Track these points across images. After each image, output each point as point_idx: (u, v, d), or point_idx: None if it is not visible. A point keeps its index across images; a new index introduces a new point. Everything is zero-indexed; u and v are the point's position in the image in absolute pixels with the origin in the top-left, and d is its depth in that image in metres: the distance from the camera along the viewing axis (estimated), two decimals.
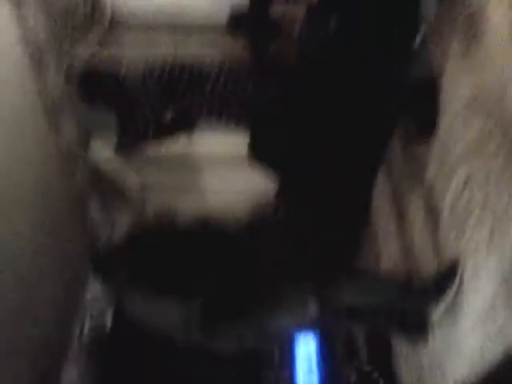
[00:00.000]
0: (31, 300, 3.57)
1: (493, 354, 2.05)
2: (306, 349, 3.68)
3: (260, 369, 3.93)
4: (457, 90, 2.41)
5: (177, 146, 4.39)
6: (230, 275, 2.80)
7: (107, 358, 4.31)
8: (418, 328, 2.61)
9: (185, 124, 4.26)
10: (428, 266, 2.72)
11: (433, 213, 2.65)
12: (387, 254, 3.46)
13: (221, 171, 4.55)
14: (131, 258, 2.52)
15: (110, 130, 4.39)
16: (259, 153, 3.79)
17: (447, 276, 2.36)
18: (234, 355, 2.70)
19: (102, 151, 4.40)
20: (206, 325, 2.48)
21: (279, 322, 2.56)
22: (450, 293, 2.32)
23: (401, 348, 3.12)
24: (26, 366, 3.54)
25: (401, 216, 3.20)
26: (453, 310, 2.36)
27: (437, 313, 2.45)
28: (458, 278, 2.30)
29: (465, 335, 2.29)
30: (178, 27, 3.90)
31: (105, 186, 4.62)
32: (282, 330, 2.72)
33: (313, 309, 2.47)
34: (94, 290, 4.73)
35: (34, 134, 3.79)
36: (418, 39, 2.67)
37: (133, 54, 3.99)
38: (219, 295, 2.63)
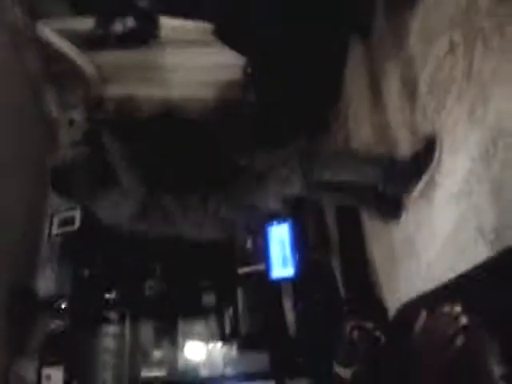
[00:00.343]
0: None
1: (466, 233, 2.02)
2: (279, 236, 3.67)
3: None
4: None
5: None
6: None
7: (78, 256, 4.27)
8: (392, 204, 2.57)
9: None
10: (403, 145, 2.59)
11: (410, 85, 2.47)
12: (359, 133, 3.32)
13: (186, 52, 4.23)
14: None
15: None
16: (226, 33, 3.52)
17: (425, 153, 2.25)
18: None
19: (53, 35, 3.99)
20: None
21: (265, 198, 2.53)
22: (428, 170, 2.22)
23: (372, 226, 3.11)
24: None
25: (375, 93, 3.01)
26: (428, 188, 2.29)
27: (414, 192, 2.38)
28: (435, 154, 2.18)
29: (439, 214, 2.24)
30: None
31: (59, 70, 4.28)
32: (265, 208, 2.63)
33: (297, 181, 2.42)
34: None
35: None
36: None
37: None
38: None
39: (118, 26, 3.75)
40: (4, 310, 3.54)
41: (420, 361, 0.99)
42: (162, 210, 2.57)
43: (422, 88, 2.34)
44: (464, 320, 0.97)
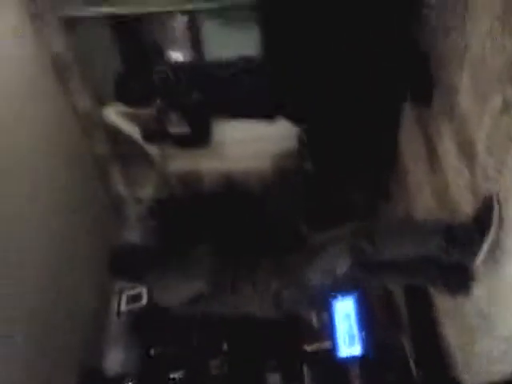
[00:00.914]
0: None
1: None
2: (344, 311, 3.47)
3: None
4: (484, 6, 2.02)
5: None
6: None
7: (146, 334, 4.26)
8: (460, 278, 2.33)
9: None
10: (466, 208, 2.38)
11: (467, 148, 2.30)
12: (420, 201, 3.13)
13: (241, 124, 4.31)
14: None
15: None
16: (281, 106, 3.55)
17: (485, 213, 2.04)
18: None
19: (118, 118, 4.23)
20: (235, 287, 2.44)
21: (314, 275, 2.38)
22: (492, 230, 2.00)
23: (443, 303, 2.84)
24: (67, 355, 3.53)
25: (432, 157, 2.84)
26: (495, 253, 2.05)
27: (479, 258, 2.12)
28: (496, 212, 1.98)
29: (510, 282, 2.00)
30: None
31: (125, 151, 4.49)
32: (318, 286, 2.49)
33: (344, 262, 2.28)
34: None
35: (47, 100, 3.66)
36: None
37: None
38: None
39: (174, 128, 3.86)
40: None
41: None
42: (223, 289, 2.50)
43: (480, 147, 2.16)
44: None
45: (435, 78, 2.65)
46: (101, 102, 4.16)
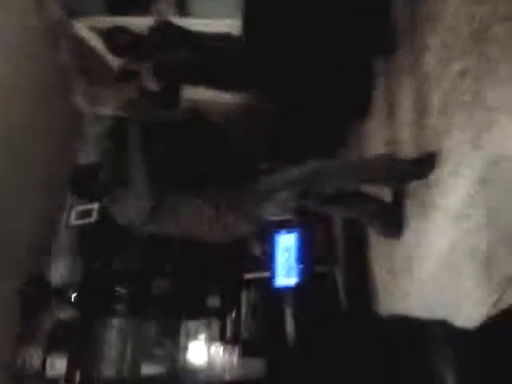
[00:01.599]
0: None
1: (461, 253, 2.03)
2: (285, 245, 3.70)
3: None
4: None
5: None
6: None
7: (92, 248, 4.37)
8: (393, 219, 2.61)
9: None
10: None
11: (423, 102, 2.48)
12: (372, 149, 3.33)
13: None
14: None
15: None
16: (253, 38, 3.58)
17: (427, 162, 2.33)
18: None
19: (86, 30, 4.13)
20: None
21: (262, 211, 2.61)
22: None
23: (376, 244, 3.12)
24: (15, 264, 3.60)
25: (389, 109, 3.02)
26: (427, 205, 2.30)
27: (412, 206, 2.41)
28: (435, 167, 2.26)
29: (436, 233, 2.24)
30: None
31: (90, 66, 4.42)
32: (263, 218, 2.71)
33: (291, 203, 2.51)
34: None
35: (18, 7, 3.54)
36: None
37: None
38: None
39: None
40: (17, 295, 3.64)
41: None
42: (172, 210, 2.61)
43: (434, 107, 2.35)
44: None
45: None
46: (71, 13, 4.04)
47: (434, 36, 2.42)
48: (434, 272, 2.26)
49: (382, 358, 2.63)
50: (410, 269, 2.51)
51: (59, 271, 4.37)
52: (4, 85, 3.34)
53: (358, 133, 3.60)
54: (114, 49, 3.68)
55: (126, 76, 3.72)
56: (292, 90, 3.62)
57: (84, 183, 2.68)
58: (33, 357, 3.75)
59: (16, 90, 3.53)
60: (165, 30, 3.53)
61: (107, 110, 4.60)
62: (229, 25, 3.79)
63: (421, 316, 2.43)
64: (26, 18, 3.68)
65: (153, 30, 3.56)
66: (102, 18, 4.11)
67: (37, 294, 3.83)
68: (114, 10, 4.11)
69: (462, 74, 2.11)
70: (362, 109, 3.45)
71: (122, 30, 3.64)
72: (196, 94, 4.24)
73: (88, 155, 4.81)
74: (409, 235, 2.56)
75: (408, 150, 2.65)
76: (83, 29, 4.10)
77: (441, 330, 2.05)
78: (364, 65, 3.38)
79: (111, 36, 3.64)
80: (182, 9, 4.08)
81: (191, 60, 3.48)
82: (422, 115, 2.49)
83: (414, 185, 2.49)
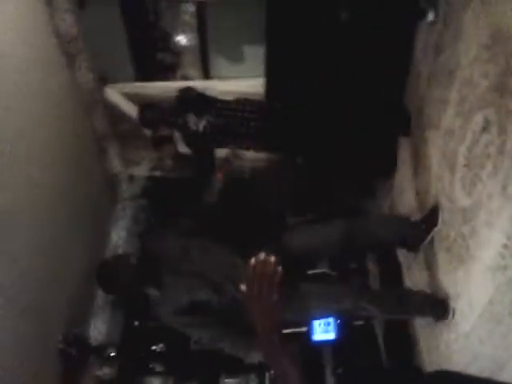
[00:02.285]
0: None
1: (501, 304, 2.00)
2: None
3: None
4: (475, 34, 2.21)
5: None
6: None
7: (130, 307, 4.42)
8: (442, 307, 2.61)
9: None
10: (443, 212, 2.61)
11: (450, 158, 2.51)
12: (403, 201, 3.35)
13: None
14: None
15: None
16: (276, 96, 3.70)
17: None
18: None
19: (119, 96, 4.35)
20: None
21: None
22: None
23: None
24: (54, 322, 3.68)
25: (416, 161, 3.06)
26: (464, 257, 2.29)
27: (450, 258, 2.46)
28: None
29: (475, 285, 2.22)
30: None
31: (123, 129, 4.62)
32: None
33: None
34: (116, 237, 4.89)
35: (54, 75, 3.76)
36: None
37: None
38: None
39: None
40: (57, 353, 3.70)
41: None
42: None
43: (460, 160, 2.37)
44: None
45: None
46: (103, 80, 4.27)
47: (453, 90, 2.46)
48: (476, 324, 2.22)
49: None
50: (452, 322, 2.47)
51: (98, 328, 4.43)
52: (42, 147, 3.51)
53: (387, 185, 3.64)
54: (145, 123, 3.91)
55: (160, 141, 3.91)
56: (317, 146, 3.71)
57: (113, 279, 2.70)
58: None
59: (54, 153, 3.71)
60: (188, 97, 3.71)
61: (142, 170, 4.80)
62: (252, 85, 3.95)
63: (465, 371, 2.36)
64: (63, 88, 3.89)
65: (177, 98, 3.76)
66: (133, 84, 4.32)
67: (77, 353, 3.86)
68: (144, 76, 4.32)
69: (484, 126, 2.14)
70: (386, 170, 3.55)
71: (149, 106, 3.93)
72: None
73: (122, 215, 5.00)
74: (449, 288, 2.53)
75: (437, 201, 2.66)
76: (116, 94, 4.31)
77: None
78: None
79: (141, 112, 3.87)
80: (207, 73, 4.25)
81: (216, 124, 3.64)
82: (449, 168, 2.51)
83: (451, 237, 2.49)
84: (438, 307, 2.57)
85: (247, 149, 3.83)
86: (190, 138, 3.76)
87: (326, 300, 2.67)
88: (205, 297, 2.57)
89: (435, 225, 2.65)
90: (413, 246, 2.89)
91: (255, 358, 2.64)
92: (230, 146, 3.78)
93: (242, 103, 3.75)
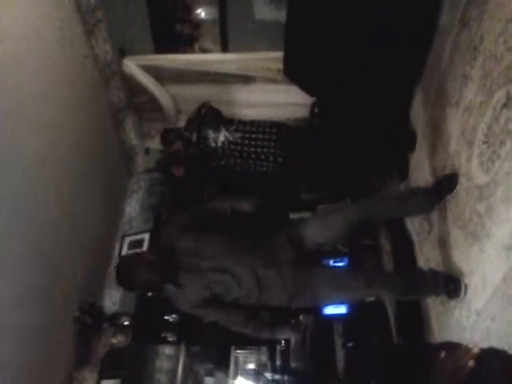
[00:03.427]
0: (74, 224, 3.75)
1: None
2: None
3: None
4: (502, 7, 2.16)
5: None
6: None
7: None
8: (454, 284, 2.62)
9: None
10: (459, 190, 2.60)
11: (468, 135, 2.48)
12: (419, 178, 3.34)
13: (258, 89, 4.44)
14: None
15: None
16: (293, 69, 3.68)
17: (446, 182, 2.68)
18: None
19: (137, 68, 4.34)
20: None
21: None
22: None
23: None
24: (71, 292, 3.75)
25: (434, 138, 3.03)
26: (479, 234, 2.28)
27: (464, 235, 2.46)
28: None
29: (489, 262, 2.22)
30: None
31: (140, 102, 4.63)
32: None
33: None
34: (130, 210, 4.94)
35: (73, 47, 3.76)
36: None
37: None
38: None
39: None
40: (72, 321, 3.79)
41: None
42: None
43: (479, 136, 2.34)
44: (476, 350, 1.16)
45: None
46: (121, 52, 4.27)
47: (476, 64, 2.42)
48: (488, 302, 2.23)
49: None
50: (465, 299, 2.48)
51: (112, 299, 4.51)
52: (60, 118, 3.54)
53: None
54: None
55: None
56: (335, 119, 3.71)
57: (132, 276, 2.74)
58: (87, 381, 3.86)
59: (71, 124, 3.73)
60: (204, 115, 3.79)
61: (158, 143, 4.81)
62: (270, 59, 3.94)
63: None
64: (80, 59, 3.90)
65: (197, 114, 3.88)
66: (151, 56, 4.31)
67: (92, 321, 3.94)
68: (162, 48, 4.30)
69: (506, 102, 2.11)
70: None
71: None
72: None
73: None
74: (463, 266, 2.53)
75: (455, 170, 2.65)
76: (133, 67, 4.31)
77: (497, 363, 2.02)
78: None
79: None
80: (225, 46, 4.22)
81: (233, 141, 3.68)
82: (467, 145, 2.49)
83: (466, 214, 2.48)
84: (451, 285, 2.57)
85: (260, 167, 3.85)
86: (207, 154, 3.82)
87: (338, 289, 2.70)
88: (224, 290, 2.66)
89: (451, 191, 2.66)
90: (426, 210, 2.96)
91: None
92: (245, 163, 3.81)
93: (258, 124, 3.80)
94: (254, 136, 3.67)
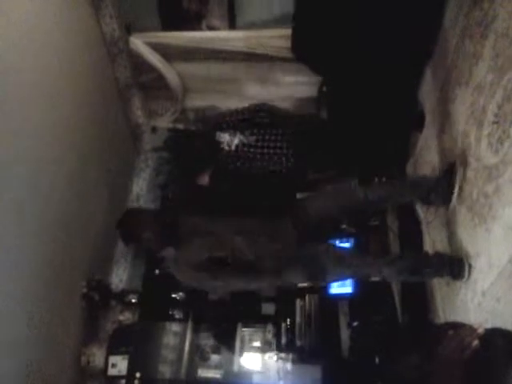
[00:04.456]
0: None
1: None
2: None
3: None
4: None
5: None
6: None
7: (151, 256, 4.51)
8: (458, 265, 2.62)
9: None
10: (467, 171, 2.58)
11: (478, 115, 2.45)
12: (426, 158, 3.31)
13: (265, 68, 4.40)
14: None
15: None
16: (302, 47, 3.64)
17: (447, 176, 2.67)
18: None
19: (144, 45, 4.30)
20: None
21: None
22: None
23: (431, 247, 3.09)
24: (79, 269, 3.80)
25: (443, 118, 2.99)
26: (486, 215, 2.27)
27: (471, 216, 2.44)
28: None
29: (496, 244, 2.21)
30: None
31: (146, 79, 4.60)
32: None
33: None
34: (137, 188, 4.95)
35: (80, 24, 3.73)
36: None
37: None
38: None
39: None
40: (80, 297, 3.83)
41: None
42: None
43: (489, 116, 2.31)
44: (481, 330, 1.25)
45: None
46: (128, 29, 4.22)
47: (487, 43, 2.38)
48: (494, 283, 2.22)
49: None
50: (470, 280, 2.48)
51: (120, 276, 4.56)
52: (67, 96, 3.53)
53: (413, 141, 3.59)
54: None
55: None
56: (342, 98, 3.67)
57: (133, 230, 2.81)
58: (96, 357, 3.93)
59: (78, 102, 3.72)
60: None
61: (165, 121, 4.80)
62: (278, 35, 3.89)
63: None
64: (87, 36, 3.87)
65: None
66: (158, 33, 4.27)
67: (99, 297, 3.99)
68: (169, 26, 4.26)
69: None
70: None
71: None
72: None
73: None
74: (469, 247, 2.52)
75: (464, 160, 2.62)
76: (140, 44, 4.27)
77: (502, 341, 2.00)
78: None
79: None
80: (233, 23, 4.17)
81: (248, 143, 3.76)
82: (476, 126, 2.46)
83: (473, 195, 2.47)
84: (456, 267, 2.58)
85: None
86: (222, 158, 3.83)
87: (342, 267, 2.73)
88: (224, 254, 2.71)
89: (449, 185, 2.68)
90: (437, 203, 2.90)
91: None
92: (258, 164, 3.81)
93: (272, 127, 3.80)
94: (267, 137, 3.71)
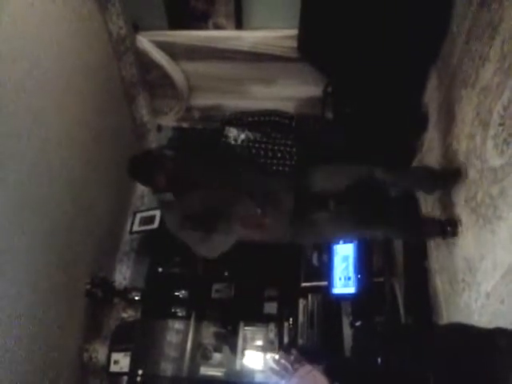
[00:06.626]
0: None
1: None
2: (343, 254, 3.70)
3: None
4: None
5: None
6: None
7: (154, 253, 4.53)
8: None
9: None
10: (471, 172, 2.58)
11: (484, 117, 2.45)
12: (431, 157, 3.31)
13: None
14: None
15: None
16: (308, 47, 3.65)
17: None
18: None
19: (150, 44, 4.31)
20: None
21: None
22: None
23: (437, 257, 3.08)
24: (83, 266, 3.81)
25: (449, 119, 2.99)
26: (491, 217, 2.27)
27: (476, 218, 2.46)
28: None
29: (500, 246, 2.21)
30: None
31: (152, 78, 4.61)
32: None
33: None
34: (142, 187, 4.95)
35: (87, 22, 3.74)
36: None
37: None
38: None
39: None
40: (84, 294, 3.85)
41: None
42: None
43: (495, 118, 2.31)
44: None
45: None
46: (135, 27, 4.23)
47: (494, 45, 2.38)
48: (498, 284, 2.22)
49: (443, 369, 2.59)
50: (474, 282, 2.48)
51: (123, 274, 4.57)
52: (73, 94, 3.54)
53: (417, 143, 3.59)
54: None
55: None
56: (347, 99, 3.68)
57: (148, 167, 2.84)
58: (98, 353, 3.94)
59: (84, 100, 3.73)
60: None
61: (170, 120, 4.81)
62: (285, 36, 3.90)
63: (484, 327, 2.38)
64: (93, 34, 3.88)
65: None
66: (164, 32, 4.28)
67: (102, 294, 4.00)
68: (176, 24, 4.27)
69: None
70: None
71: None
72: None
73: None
74: (473, 249, 2.52)
75: (468, 161, 2.62)
76: (147, 42, 4.28)
77: (505, 342, 2.01)
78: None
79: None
80: (239, 23, 4.17)
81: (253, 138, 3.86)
82: (482, 127, 2.46)
83: (478, 197, 2.47)
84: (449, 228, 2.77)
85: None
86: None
87: (338, 177, 2.86)
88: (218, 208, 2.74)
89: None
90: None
91: None
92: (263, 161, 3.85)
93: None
94: (273, 135, 3.79)
